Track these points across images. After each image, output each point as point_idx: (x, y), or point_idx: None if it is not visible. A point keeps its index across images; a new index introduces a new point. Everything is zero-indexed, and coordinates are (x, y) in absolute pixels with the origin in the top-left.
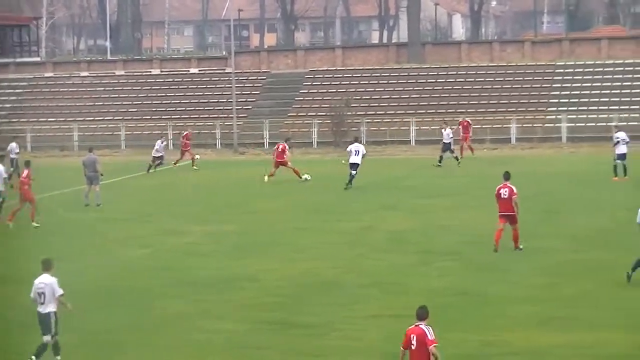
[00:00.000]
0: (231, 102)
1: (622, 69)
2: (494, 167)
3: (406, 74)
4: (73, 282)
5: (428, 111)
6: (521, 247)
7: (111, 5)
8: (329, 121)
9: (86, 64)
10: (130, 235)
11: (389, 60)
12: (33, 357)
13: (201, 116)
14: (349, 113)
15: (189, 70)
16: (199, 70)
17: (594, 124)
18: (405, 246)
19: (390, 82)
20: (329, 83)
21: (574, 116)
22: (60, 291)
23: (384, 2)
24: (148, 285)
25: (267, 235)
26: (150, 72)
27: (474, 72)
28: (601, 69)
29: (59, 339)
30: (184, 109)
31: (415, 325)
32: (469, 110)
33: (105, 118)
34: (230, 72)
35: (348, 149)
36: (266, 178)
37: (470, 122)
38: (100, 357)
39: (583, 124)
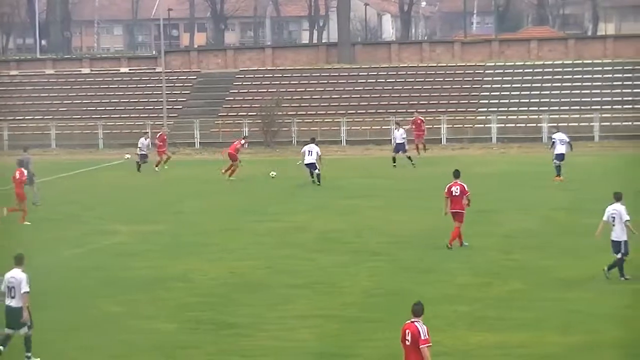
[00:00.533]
0: (161, 101)
1: (551, 69)
2: (424, 168)
3: (336, 74)
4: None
5: (358, 111)
6: (466, 243)
7: (40, 4)
8: (259, 121)
9: (15, 63)
10: (61, 236)
11: (319, 60)
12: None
13: (131, 115)
14: (280, 113)
15: (119, 70)
16: (129, 70)
17: (524, 125)
18: (336, 246)
19: (320, 82)
20: (259, 83)
21: (504, 117)
22: (26, 288)
23: (314, 2)
24: (79, 285)
25: (197, 235)
26: (80, 71)
27: (404, 73)
28: (531, 70)
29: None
30: (114, 108)
31: (411, 322)
32: (399, 111)
33: (35, 117)
34: (161, 72)
35: (302, 150)
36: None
37: (423, 119)
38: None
39: (513, 125)
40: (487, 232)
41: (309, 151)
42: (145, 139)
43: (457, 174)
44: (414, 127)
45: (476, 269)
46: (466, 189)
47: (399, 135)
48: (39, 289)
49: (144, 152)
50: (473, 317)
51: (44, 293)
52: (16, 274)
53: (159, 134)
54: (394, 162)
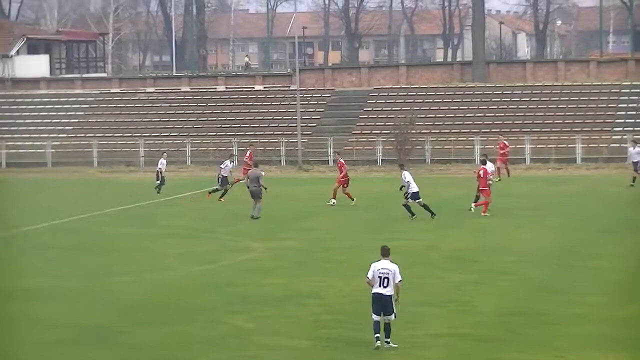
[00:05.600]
0: (295, 119)
1: None
2: (553, 186)
3: (471, 92)
4: (134, 295)
5: (492, 130)
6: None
7: (177, 22)
8: (393, 139)
9: (152, 80)
10: (192, 251)
11: (453, 79)
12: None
13: (266, 133)
14: (413, 131)
15: (253, 87)
16: (264, 87)
17: None
18: (466, 264)
19: (454, 100)
20: (393, 101)
21: None
22: (399, 277)
23: (448, 20)
24: (209, 301)
25: (326, 252)
26: (215, 88)
27: (539, 92)
28: None
29: None
30: (248, 125)
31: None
32: (533, 130)
33: (171, 134)
34: (295, 89)
35: (405, 177)
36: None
37: (507, 143)
38: None
39: None
40: (614, 253)
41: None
42: (231, 162)
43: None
44: (499, 149)
45: (604, 288)
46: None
47: (634, 153)
48: (170, 302)
49: (225, 175)
50: (602, 337)
51: (174, 307)
52: (388, 265)
53: (248, 152)
54: (633, 182)
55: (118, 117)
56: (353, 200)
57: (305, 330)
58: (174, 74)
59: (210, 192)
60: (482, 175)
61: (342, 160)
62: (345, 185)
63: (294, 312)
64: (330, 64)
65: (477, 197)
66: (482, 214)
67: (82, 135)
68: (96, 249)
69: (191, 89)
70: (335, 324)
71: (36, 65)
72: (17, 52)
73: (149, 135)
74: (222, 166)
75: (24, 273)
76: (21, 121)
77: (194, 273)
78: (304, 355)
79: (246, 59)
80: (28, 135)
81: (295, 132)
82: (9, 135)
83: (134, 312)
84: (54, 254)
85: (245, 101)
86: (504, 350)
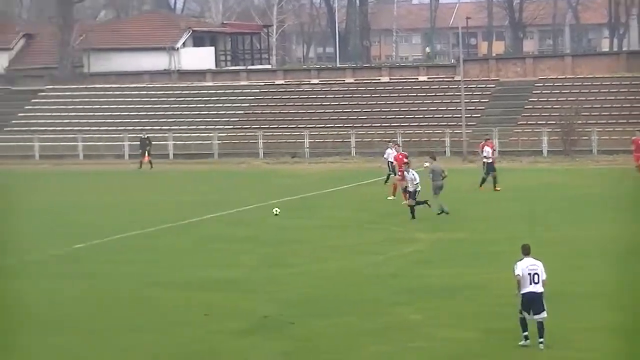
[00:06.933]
0: (460, 110)
1: None
2: None
3: (638, 82)
4: (300, 287)
5: None
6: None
7: (340, 14)
8: (558, 130)
9: (316, 72)
10: (356, 243)
11: (620, 69)
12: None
13: (430, 124)
14: (579, 122)
15: (417, 78)
16: (428, 78)
17: None
18: (630, 256)
19: (620, 90)
20: (558, 91)
21: None
22: (545, 275)
23: (614, 9)
24: (375, 293)
25: (493, 243)
26: (379, 79)
27: None
28: None
29: None
30: (412, 116)
31: None
32: None
33: (336, 125)
34: (459, 80)
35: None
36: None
37: None
38: None
39: None
40: None
41: None
42: (391, 148)
43: None
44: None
45: None
46: None
47: None
48: (337, 294)
49: (392, 161)
50: None
51: (340, 299)
52: (535, 262)
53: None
54: None
55: (283, 108)
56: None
57: (472, 322)
58: (338, 66)
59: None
60: None
61: (401, 154)
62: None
63: (460, 304)
64: (494, 55)
65: None
66: None
67: (248, 126)
68: (261, 240)
69: (355, 80)
70: (503, 317)
71: (202, 58)
72: (183, 45)
73: (313, 127)
74: (385, 156)
75: (197, 264)
76: (187, 113)
77: (359, 265)
78: (471, 347)
79: (427, 49)
80: (194, 127)
81: (459, 123)
82: (176, 127)
83: (301, 303)
84: (221, 245)
85: (410, 92)
86: None
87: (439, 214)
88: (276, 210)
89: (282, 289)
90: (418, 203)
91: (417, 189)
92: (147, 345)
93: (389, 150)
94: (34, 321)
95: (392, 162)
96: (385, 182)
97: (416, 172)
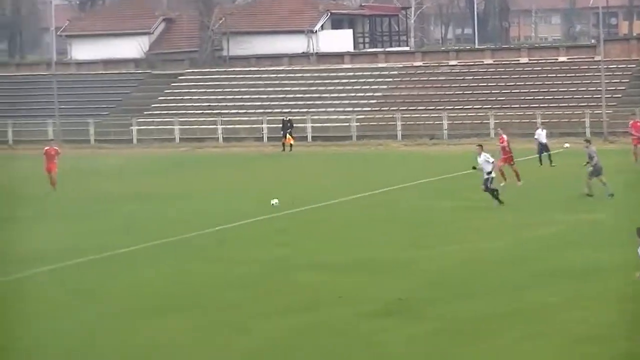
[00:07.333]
0: (600, 90)
1: None
2: None
3: None
4: (438, 268)
5: None
6: None
7: None
8: None
9: (454, 53)
10: (494, 224)
11: None
12: None
13: (569, 105)
14: None
15: (557, 59)
16: (567, 59)
17: None
18: None
19: None
20: None
21: None
22: None
23: None
24: (512, 275)
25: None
26: (518, 60)
27: None
28: None
29: None
30: (552, 97)
31: None
32: None
33: (474, 107)
34: (599, 61)
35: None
36: None
37: None
38: (455, 345)
39: None
40: None
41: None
42: (542, 129)
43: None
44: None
45: None
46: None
47: None
48: (470, 276)
49: (544, 142)
50: None
51: (476, 280)
52: None
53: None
54: None
55: (421, 90)
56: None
57: (613, 305)
58: (476, 47)
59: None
60: None
61: (504, 136)
62: (511, 162)
63: (600, 287)
64: (634, 34)
65: None
66: None
67: (386, 108)
68: (398, 222)
69: (494, 61)
70: None
71: (340, 40)
72: (322, 28)
73: (452, 109)
74: (535, 136)
75: (333, 246)
76: (326, 95)
77: (496, 246)
78: (610, 331)
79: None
80: (333, 110)
81: (599, 104)
82: (314, 110)
83: (436, 286)
84: (357, 228)
85: (549, 73)
86: None
87: (610, 195)
88: (275, 202)
89: (417, 271)
90: (491, 191)
91: (487, 176)
92: (281, 327)
93: (539, 131)
94: (188, 303)
95: (543, 143)
96: (541, 163)
97: (489, 156)
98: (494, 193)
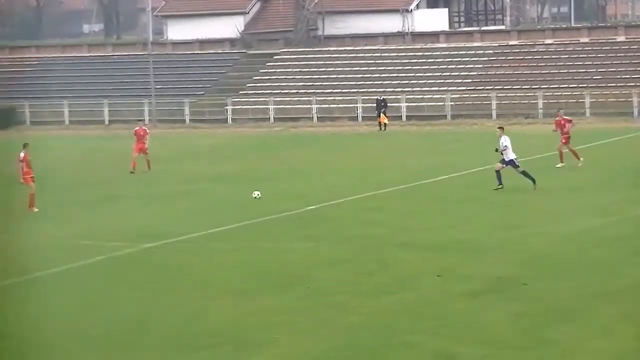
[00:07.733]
0: None
1: None
2: None
3: None
4: (534, 248)
5: None
6: None
7: None
8: None
9: (550, 32)
10: (590, 204)
11: None
12: None
13: None
14: None
15: None
16: None
17: None
18: None
19: None
20: None
21: None
22: None
23: None
24: (609, 254)
25: None
26: (615, 39)
27: None
28: None
29: None
30: None
31: None
32: None
33: (570, 86)
34: None
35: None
36: None
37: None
38: (545, 324)
39: None
40: None
41: None
42: None
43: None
44: None
45: None
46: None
47: None
48: (568, 255)
49: None
50: None
51: (573, 260)
52: None
53: None
54: None
55: (516, 69)
56: (580, 160)
57: None
58: (573, 25)
59: None
60: None
61: (565, 117)
62: (566, 142)
63: None
64: None
65: None
66: None
67: (481, 88)
68: (494, 202)
69: (590, 40)
70: None
71: (435, 19)
72: (417, 7)
73: (547, 88)
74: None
75: (429, 226)
76: (421, 74)
77: (595, 225)
78: None
79: None
80: (427, 89)
81: None
82: (409, 89)
83: (535, 265)
84: (452, 207)
85: None
86: None
87: None
88: (256, 194)
89: (516, 250)
90: (524, 173)
91: (505, 157)
92: (382, 305)
93: None
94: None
95: None
96: None
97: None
98: (527, 174)
